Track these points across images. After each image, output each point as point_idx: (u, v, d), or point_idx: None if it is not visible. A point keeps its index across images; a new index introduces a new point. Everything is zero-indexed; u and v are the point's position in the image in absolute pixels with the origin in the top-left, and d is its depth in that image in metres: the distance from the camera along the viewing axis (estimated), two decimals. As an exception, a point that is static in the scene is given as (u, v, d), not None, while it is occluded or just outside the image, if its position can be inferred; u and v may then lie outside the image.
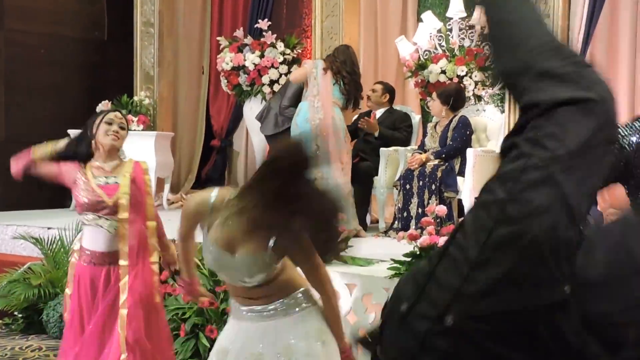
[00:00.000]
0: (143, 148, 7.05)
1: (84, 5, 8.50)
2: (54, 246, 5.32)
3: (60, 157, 3.40)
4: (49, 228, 5.76)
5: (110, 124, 3.39)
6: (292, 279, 2.48)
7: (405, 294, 1.28)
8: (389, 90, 6.54)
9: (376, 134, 6.18)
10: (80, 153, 3.40)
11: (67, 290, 3.51)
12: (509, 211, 1.21)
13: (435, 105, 5.80)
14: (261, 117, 6.48)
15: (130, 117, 7.75)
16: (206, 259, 2.50)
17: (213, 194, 2.41)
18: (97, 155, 3.39)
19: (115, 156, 3.41)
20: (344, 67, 5.70)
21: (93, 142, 3.39)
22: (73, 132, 7.44)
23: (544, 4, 5.37)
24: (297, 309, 2.45)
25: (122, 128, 3.42)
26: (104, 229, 3.30)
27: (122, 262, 3.29)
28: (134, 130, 7.64)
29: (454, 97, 5.80)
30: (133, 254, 3.31)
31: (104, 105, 7.92)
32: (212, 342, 4.19)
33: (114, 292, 3.31)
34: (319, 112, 5.61)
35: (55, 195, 7.53)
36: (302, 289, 2.48)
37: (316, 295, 2.51)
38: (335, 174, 5.53)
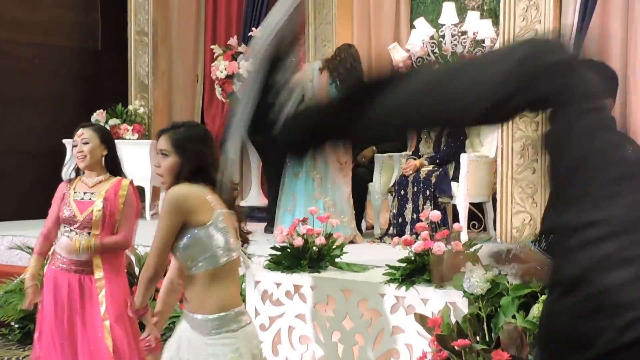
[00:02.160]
0: (138, 157, 7.06)
1: (78, 16, 8.52)
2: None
3: None
4: (45, 238, 5.76)
5: (75, 145, 3.50)
6: (225, 299, 2.54)
7: None
8: None
9: (375, 153, 6.20)
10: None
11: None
12: None
13: None
14: None
15: (125, 126, 7.77)
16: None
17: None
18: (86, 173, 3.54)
19: (98, 172, 3.51)
20: (342, 65, 5.59)
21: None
22: (68, 142, 7.48)
23: (535, 9, 5.41)
24: (213, 332, 2.51)
25: (85, 143, 3.48)
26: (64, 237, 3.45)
27: (98, 275, 3.40)
28: (129, 139, 7.66)
29: None
30: (107, 266, 3.41)
31: (98, 114, 7.94)
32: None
33: (90, 305, 3.38)
34: None
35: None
36: (225, 312, 2.53)
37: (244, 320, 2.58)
38: (334, 175, 5.55)
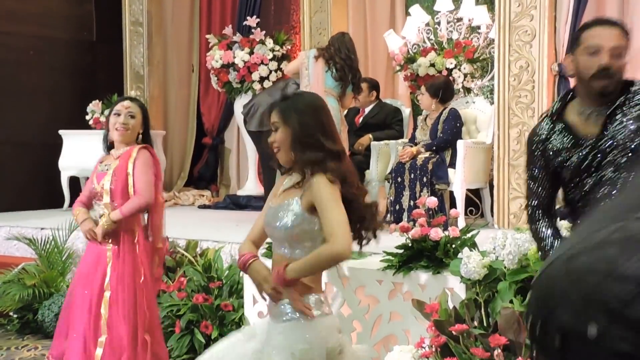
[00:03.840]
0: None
1: (72, 7, 8.49)
2: (48, 246, 5.33)
3: None
4: (42, 229, 5.77)
5: (118, 114, 3.41)
6: (309, 282, 2.37)
7: None
8: (375, 86, 6.54)
9: (372, 141, 6.19)
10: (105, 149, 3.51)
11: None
12: None
13: (424, 99, 5.83)
14: (247, 114, 6.45)
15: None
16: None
17: None
18: (116, 145, 3.46)
19: (130, 143, 3.43)
20: (337, 54, 5.57)
21: (108, 135, 3.46)
22: (64, 133, 7.48)
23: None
24: (284, 319, 2.35)
25: (131, 117, 3.42)
26: (96, 213, 3.42)
27: (108, 246, 3.39)
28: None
29: (443, 90, 5.82)
30: (117, 235, 3.39)
31: (94, 105, 7.93)
32: (207, 338, 4.21)
33: (101, 274, 3.38)
34: None
35: (48, 196, 7.55)
36: (314, 295, 2.37)
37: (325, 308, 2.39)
38: None
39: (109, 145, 3.49)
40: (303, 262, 2.30)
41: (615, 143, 2.24)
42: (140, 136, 3.46)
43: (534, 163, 2.51)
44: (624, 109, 2.26)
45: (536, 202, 2.52)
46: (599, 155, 2.28)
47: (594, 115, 2.31)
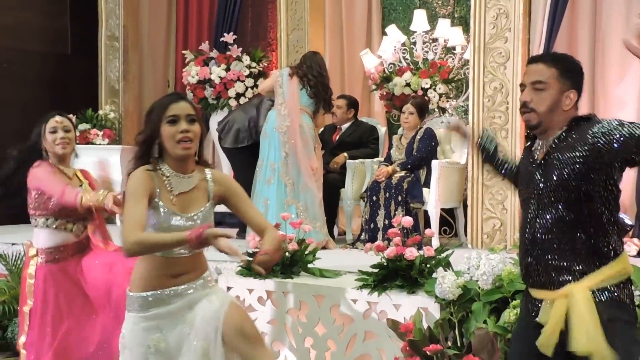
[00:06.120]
0: (109, 162, 6.98)
1: (48, 20, 8.43)
2: (19, 262, 5.25)
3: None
4: (13, 244, 5.69)
5: (54, 132, 3.46)
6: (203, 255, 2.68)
7: None
8: (353, 104, 6.58)
9: (347, 160, 6.21)
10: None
11: (25, 308, 3.54)
12: None
13: (413, 118, 5.85)
14: (222, 130, 6.43)
15: (95, 131, 7.69)
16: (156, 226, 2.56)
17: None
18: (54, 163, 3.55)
19: (68, 162, 3.62)
20: (310, 71, 5.68)
21: (44, 151, 3.54)
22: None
23: (505, 17, 5.48)
24: (211, 283, 2.69)
25: (66, 131, 3.48)
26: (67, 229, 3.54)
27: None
28: (100, 144, 7.59)
29: (425, 110, 6.00)
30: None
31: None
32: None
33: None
34: (286, 119, 5.62)
35: (18, 211, 7.44)
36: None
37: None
38: (305, 181, 5.56)
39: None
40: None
41: (545, 171, 2.31)
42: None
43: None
44: (560, 145, 2.31)
45: None
46: (534, 179, 2.35)
47: (544, 142, 2.39)
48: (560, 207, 2.26)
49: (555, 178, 2.27)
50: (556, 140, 2.32)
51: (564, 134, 2.32)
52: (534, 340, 2.27)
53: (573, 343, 2.17)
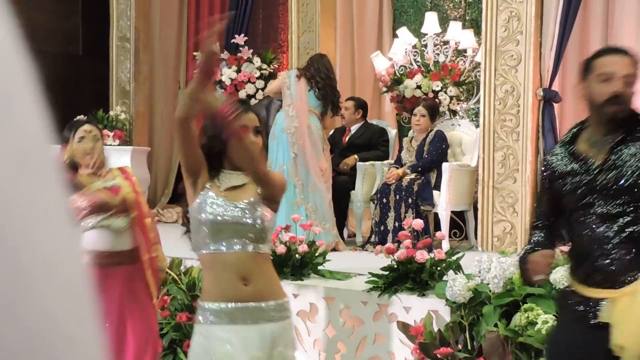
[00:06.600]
0: (119, 163, 7.00)
1: (59, 20, 8.47)
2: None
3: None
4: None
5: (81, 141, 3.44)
6: (278, 282, 2.54)
7: None
8: (362, 105, 6.58)
9: (357, 162, 6.22)
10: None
11: None
12: None
13: (425, 121, 5.85)
14: None
15: (106, 132, 7.72)
16: (206, 219, 2.51)
17: None
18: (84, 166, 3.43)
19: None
20: (317, 73, 5.70)
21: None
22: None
23: (517, 20, 5.46)
24: (287, 316, 2.47)
25: (96, 140, 3.44)
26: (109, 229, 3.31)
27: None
28: (110, 145, 7.62)
29: (436, 112, 6.00)
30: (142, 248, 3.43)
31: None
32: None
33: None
34: (294, 120, 5.63)
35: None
36: (286, 298, 2.51)
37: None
38: (315, 182, 5.57)
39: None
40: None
41: (612, 174, 2.26)
42: None
43: (542, 185, 2.56)
44: (629, 139, 2.28)
45: (537, 223, 2.52)
46: (595, 184, 2.29)
47: (600, 144, 2.33)
48: (628, 209, 2.23)
49: (622, 181, 2.24)
50: (619, 140, 2.27)
51: (626, 134, 2.28)
52: (591, 344, 2.24)
53: (630, 339, 2.14)
